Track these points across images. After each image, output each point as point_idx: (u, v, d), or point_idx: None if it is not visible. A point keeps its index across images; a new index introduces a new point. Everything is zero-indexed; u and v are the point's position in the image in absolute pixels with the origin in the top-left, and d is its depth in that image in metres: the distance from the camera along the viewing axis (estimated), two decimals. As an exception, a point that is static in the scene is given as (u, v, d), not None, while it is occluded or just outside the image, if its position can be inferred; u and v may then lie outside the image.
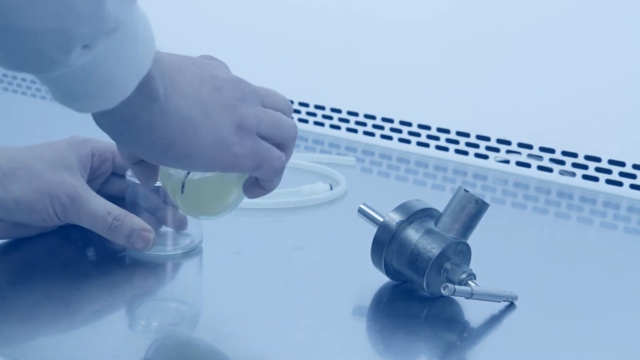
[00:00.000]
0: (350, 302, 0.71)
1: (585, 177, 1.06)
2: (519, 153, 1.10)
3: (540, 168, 1.09)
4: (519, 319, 0.69)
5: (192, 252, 0.77)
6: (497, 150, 1.11)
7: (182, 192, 0.66)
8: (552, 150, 1.08)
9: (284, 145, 0.64)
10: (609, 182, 1.04)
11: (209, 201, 0.69)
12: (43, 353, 0.61)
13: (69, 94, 0.52)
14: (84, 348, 0.62)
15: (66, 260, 0.76)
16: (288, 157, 0.65)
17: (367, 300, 0.72)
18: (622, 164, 1.03)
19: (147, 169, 0.65)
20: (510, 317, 0.69)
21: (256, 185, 0.66)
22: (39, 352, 0.61)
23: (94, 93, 0.52)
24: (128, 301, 0.71)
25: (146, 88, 0.55)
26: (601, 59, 1.04)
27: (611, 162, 1.04)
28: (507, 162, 1.11)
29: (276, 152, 0.63)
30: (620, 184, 1.03)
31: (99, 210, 0.73)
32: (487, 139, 1.12)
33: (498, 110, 1.11)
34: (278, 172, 0.64)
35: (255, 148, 0.61)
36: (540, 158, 1.09)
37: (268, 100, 0.64)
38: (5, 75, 1.52)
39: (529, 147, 1.09)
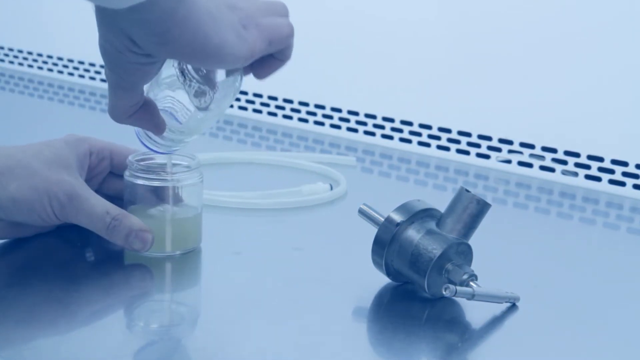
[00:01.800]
0: (350, 303, 0.71)
1: (587, 177, 1.05)
2: (520, 153, 1.10)
3: (542, 168, 1.08)
4: (520, 320, 0.69)
5: (191, 252, 0.77)
6: (498, 150, 1.11)
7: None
8: (554, 150, 1.07)
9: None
10: (611, 182, 1.04)
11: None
12: (41, 355, 0.61)
13: None
14: (82, 349, 0.62)
15: (64, 262, 0.76)
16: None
17: (367, 301, 0.71)
18: (624, 164, 1.03)
19: (147, 113, 0.66)
20: (512, 319, 0.69)
21: (270, 60, 0.67)
22: (37, 353, 0.61)
23: None
24: (126, 302, 0.71)
25: None
26: (603, 58, 1.03)
27: (614, 162, 1.03)
28: (509, 162, 1.10)
29: (278, 20, 0.65)
30: (623, 184, 1.03)
31: (98, 209, 0.73)
32: (488, 138, 1.11)
33: (500, 109, 1.11)
34: (288, 37, 0.66)
35: (260, 29, 0.64)
36: (542, 158, 1.08)
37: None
38: (2, 74, 1.52)
39: (531, 146, 1.09)
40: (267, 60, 0.67)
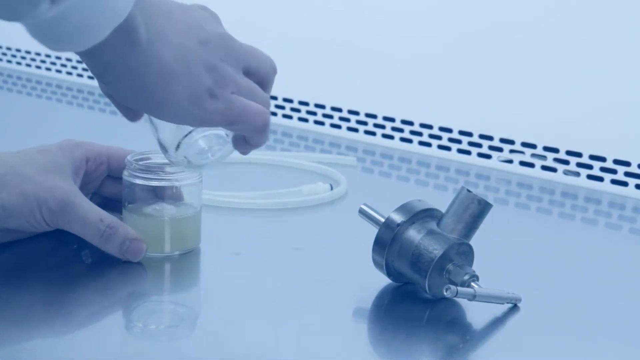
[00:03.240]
0: (351, 304, 0.70)
1: (589, 177, 1.05)
2: (522, 152, 1.09)
3: (544, 168, 1.08)
4: (522, 321, 0.69)
5: (190, 252, 0.76)
6: (500, 149, 1.10)
7: (177, 149, 0.68)
8: (556, 150, 1.07)
9: None
10: (613, 182, 1.03)
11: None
12: (37, 355, 0.60)
13: (40, 35, 0.54)
14: (80, 351, 0.61)
15: (61, 262, 0.75)
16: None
17: (368, 302, 0.71)
18: (627, 164, 1.02)
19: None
20: (514, 319, 0.69)
21: (243, 141, 0.66)
22: (33, 354, 0.60)
23: (64, 38, 0.53)
24: (125, 303, 0.70)
25: (128, 35, 0.56)
26: (605, 57, 1.03)
27: (616, 161, 1.03)
28: (510, 161, 1.10)
29: (254, 108, 0.63)
30: (625, 184, 1.03)
31: (92, 216, 0.72)
32: (490, 138, 1.11)
33: (501, 109, 1.10)
34: (259, 130, 0.64)
35: (229, 105, 0.61)
36: (544, 158, 1.08)
37: (252, 62, 0.64)
38: (0, 74, 1.52)
39: (533, 146, 1.08)
40: (239, 139, 0.66)
